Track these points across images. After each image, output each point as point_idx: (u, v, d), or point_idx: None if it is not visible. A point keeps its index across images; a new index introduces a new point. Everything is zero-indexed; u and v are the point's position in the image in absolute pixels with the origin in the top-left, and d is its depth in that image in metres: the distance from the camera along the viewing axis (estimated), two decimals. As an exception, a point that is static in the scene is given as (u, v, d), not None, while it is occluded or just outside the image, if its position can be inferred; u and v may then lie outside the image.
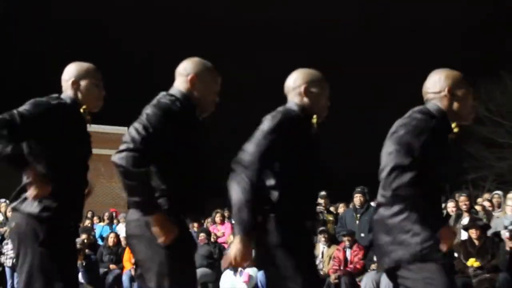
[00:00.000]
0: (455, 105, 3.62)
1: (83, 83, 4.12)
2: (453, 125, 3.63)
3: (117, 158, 3.55)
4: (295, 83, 3.85)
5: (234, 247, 3.46)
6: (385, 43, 39.86)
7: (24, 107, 3.75)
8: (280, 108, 3.76)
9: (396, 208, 3.44)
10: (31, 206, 3.76)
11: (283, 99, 3.90)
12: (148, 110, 3.61)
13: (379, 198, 3.60)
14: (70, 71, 4.16)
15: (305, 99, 3.80)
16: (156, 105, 3.63)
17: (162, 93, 3.78)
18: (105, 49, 38.21)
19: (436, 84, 3.63)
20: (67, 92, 4.14)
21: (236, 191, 3.42)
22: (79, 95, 4.12)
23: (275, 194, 3.58)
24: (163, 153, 3.60)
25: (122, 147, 3.57)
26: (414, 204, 3.37)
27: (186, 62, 3.85)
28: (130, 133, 3.59)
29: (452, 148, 3.68)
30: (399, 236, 3.42)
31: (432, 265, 3.35)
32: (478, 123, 31.32)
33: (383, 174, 3.39)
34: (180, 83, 3.81)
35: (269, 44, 40.25)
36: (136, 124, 3.58)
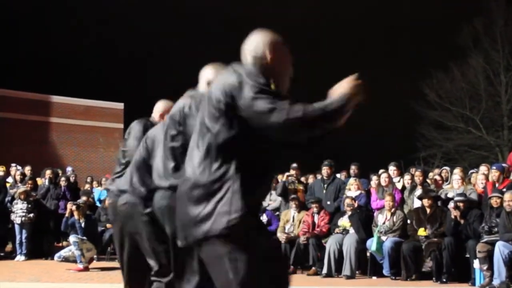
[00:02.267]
0: (272, 72, 2.85)
1: None
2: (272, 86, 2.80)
3: None
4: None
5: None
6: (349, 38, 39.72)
7: None
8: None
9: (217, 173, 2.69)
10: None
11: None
12: None
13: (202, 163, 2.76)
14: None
15: None
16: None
17: None
18: (113, 28, 37.74)
19: (257, 48, 2.91)
20: None
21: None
22: None
23: None
24: None
25: None
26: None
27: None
28: None
29: None
30: (210, 206, 2.65)
31: (240, 241, 2.62)
32: (430, 108, 31.61)
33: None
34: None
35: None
36: None
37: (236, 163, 2.69)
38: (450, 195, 10.02)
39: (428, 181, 10.87)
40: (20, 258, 11.67)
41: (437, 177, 11.15)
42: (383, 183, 10.61)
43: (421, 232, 9.42)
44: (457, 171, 10.76)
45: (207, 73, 3.46)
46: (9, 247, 12.84)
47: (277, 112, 2.59)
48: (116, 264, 10.96)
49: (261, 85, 2.68)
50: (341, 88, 2.75)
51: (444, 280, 8.93)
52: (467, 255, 9.03)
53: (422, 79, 31.74)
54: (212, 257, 2.70)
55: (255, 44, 2.94)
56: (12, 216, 11.89)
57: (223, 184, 2.66)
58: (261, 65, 2.87)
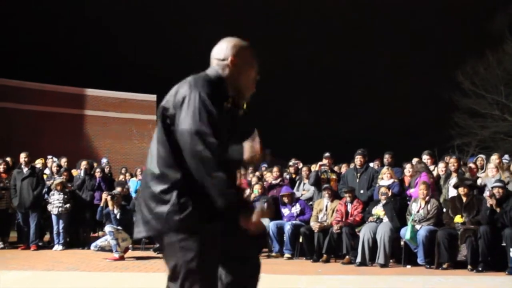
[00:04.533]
0: (236, 75, 3.03)
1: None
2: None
3: None
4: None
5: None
6: (377, 22, 39.24)
7: None
8: None
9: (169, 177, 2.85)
10: None
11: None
12: None
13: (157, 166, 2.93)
14: None
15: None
16: None
17: None
18: (142, 19, 37.98)
19: (221, 52, 3.05)
20: None
21: None
22: None
23: None
24: None
25: None
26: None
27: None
28: None
29: (236, 121, 3.04)
30: (159, 206, 2.83)
31: (192, 237, 2.80)
32: (464, 95, 31.10)
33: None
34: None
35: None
36: None
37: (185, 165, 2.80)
38: (488, 184, 9.87)
39: (463, 169, 10.72)
40: (57, 247, 11.90)
41: (472, 165, 10.97)
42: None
43: (458, 219, 9.28)
44: (494, 158, 10.59)
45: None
46: (47, 237, 13.11)
47: (195, 141, 2.69)
48: (150, 253, 11.11)
49: (202, 108, 2.74)
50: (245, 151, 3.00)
51: (480, 269, 8.79)
52: (504, 244, 8.87)
53: (456, 67, 31.28)
54: (166, 246, 2.87)
55: (220, 48, 3.08)
56: (49, 207, 12.13)
57: (173, 185, 2.82)
58: (223, 67, 3.03)
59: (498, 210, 9.03)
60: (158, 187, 2.85)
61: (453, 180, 10.03)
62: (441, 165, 10.77)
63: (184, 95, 2.83)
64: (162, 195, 2.83)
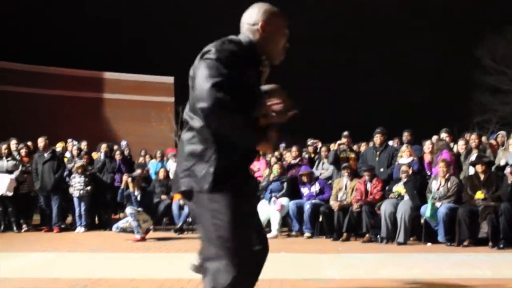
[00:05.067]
0: (266, 41, 3.01)
1: None
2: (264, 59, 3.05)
3: None
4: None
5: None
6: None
7: None
8: None
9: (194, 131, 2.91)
10: None
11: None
12: None
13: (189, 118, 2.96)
14: None
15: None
16: None
17: None
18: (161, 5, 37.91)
19: (252, 16, 3.04)
20: None
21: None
22: None
23: None
24: None
25: None
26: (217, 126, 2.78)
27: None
28: None
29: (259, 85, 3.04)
30: (192, 162, 2.88)
31: (222, 197, 2.82)
32: (485, 72, 30.73)
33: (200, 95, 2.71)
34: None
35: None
36: None
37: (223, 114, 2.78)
38: (509, 160, 9.79)
39: (484, 145, 10.64)
40: (80, 229, 12.07)
41: (493, 142, 10.89)
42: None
43: (479, 195, 9.23)
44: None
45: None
46: (69, 219, 13.28)
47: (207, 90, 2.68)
48: (171, 234, 11.22)
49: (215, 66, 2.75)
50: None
51: (501, 245, 8.76)
52: (525, 220, 8.83)
53: (476, 44, 30.90)
54: (196, 209, 2.93)
55: (251, 12, 3.06)
56: (71, 190, 12.28)
57: (203, 147, 2.85)
58: (253, 32, 3.01)
59: (519, 186, 8.98)
60: (194, 147, 2.89)
61: (474, 156, 9.97)
62: (461, 142, 10.71)
63: (202, 54, 2.85)
64: (197, 154, 2.87)
